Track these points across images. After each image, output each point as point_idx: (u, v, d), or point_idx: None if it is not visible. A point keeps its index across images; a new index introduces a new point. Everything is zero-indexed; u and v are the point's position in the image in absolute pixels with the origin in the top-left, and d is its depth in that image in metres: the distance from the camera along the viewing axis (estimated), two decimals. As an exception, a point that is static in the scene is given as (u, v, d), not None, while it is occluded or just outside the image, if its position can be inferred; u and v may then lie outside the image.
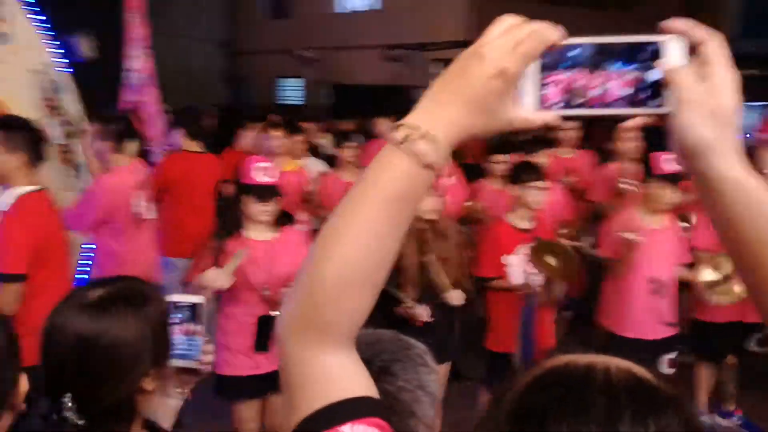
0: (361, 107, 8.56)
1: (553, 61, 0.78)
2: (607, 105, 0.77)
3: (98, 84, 5.03)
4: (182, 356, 1.52)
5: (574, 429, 0.57)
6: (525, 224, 3.54)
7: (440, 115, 0.76)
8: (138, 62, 5.19)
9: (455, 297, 3.29)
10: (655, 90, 0.76)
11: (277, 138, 4.90)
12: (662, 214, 3.61)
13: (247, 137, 5.80)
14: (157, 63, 5.37)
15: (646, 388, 0.60)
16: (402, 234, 0.79)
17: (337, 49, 14.86)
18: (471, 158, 5.71)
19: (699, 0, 15.14)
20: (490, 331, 3.61)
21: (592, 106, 0.77)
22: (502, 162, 4.67)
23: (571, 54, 0.78)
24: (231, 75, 20.22)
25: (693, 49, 0.75)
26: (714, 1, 15.16)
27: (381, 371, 1.16)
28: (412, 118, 0.77)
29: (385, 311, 3.01)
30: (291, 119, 5.66)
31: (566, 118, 0.80)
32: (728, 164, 0.73)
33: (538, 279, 3.33)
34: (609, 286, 3.77)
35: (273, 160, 3.48)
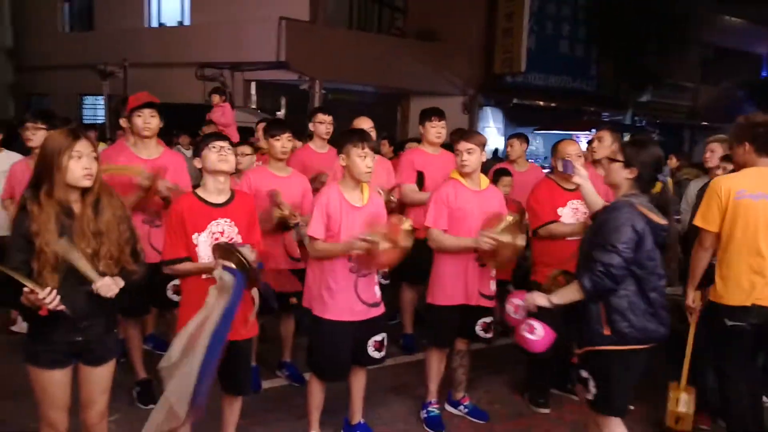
0: (175, 126, 8.31)
1: None
2: None
3: None
4: None
5: None
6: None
7: None
8: None
9: (105, 286, 2.43)
10: None
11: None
12: None
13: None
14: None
15: None
16: None
17: (148, 65, 14.36)
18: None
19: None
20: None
21: None
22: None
23: None
24: (19, 89, 18.76)
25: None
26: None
27: None
28: None
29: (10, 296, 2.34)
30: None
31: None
32: None
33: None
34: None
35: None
